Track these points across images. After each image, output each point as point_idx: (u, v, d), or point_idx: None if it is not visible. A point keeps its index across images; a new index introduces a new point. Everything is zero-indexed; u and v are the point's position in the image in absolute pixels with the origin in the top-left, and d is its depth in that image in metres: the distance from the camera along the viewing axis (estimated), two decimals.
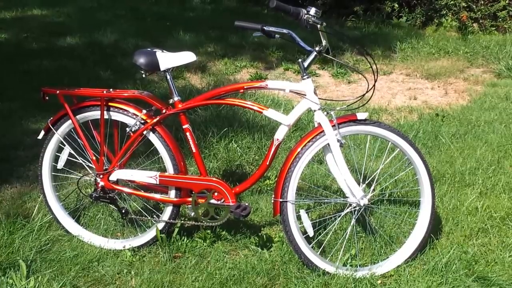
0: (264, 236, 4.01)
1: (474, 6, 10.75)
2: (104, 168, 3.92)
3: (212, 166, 5.04)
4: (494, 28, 10.62)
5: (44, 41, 9.08)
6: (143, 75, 3.80)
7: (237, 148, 5.32)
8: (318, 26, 3.51)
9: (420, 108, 6.88)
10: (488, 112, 6.55)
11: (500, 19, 10.62)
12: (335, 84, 7.96)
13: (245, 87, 3.72)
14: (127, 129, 3.82)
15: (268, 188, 4.73)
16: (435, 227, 4.00)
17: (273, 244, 3.99)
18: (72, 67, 7.81)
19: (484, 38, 10.05)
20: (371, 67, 3.59)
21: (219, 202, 3.81)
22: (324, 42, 3.60)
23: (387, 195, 4.47)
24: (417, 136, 5.79)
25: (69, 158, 4.02)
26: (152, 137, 3.83)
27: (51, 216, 4.16)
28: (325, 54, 3.65)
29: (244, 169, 5.12)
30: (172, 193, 3.89)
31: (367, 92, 3.65)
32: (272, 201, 3.68)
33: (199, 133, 5.46)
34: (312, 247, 3.73)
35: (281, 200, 3.62)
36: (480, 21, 10.66)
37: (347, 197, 3.64)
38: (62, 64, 7.91)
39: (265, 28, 3.56)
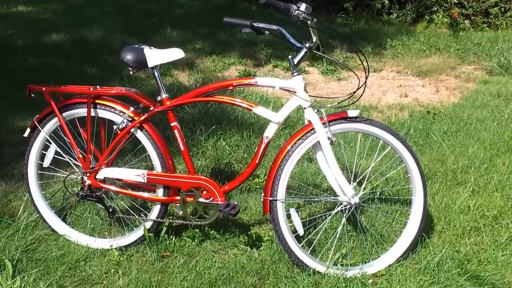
0: (254, 235, 3.96)
1: (465, 3, 10.72)
2: (91, 166, 3.86)
3: (201, 164, 4.99)
4: (485, 25, 10.61)
5: (30, 38, 8.98)
6: (131, 72, 3.74)
7: (225, 146, 5.28)
8: (309, 22, 3.46)
9: (411, 106, 6.84)
10: (480, 110, 6.51)
11: (492, 16, 10.61)
12: (324, 81, 7.92)
13: (234, 84, 3.67)
14: (114, 126, 3.77)
15: (257, 186, 4.68)
16: (427, 226, 3.97)
17: (262, 243, 3.93)
18: (58, 64, 7.74)
19: (476, 35, 10.04)
20: (362, 64, 3.56)
21: (207, 200, 3.76)
22: (314, 39, 3.56)
23: (378, 194, 4.42)
24: (408, 133, 5.75)
25: (55, 156, 3.96)
26: (140, 135, 3.78)
27: (37, 215, 4.10)
28: (315, 51, 3.61)
29: (232, 167, 5.06)
30: (160, 192, 3.83)
31: (358, 89, 3.60)
32: (262, 199, 3.63)
33: (187, 130, 5.41)
34: (302, 246, 3.69)
35: (270, 198, 3.57)
36: (472, 17, 10.64)
37: (337, 196, 3.59)
38: (48, 61, 7.83)
39: (254, 24, 3.53)
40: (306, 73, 8.13)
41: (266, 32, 3.55)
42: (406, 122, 6.11)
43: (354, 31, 10.35)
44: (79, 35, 9.17)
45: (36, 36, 9.12)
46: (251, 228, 4.17)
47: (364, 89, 3.61)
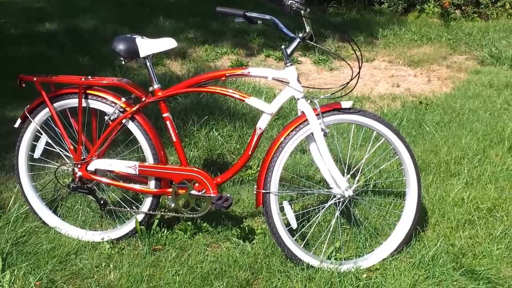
0: (246, 228, 3.92)
1: None
2: (82, 157, 3.81)
3: (193, 155, 4.95)
4: (476, 15, 10.57)
5: (23, 26, 8.91)
6: (122, 62, 3.69)
7: (218, 137, 5.23)
8: (302, 12, 3.42)
9: (403, 96, 6.81)
10: (472, 100, 6.49)
11: (483, 6, 10.56)
12: (317, 71, 7.88)
13: (226, 74, 3.64)
14: (106, 117, 3.72)
15: (250, 178, 4.64)
16: (421, 219, 3.92)
17: (255, 236, 3.90)
18: (50, 53, 7.67)
19: (467, 25, 10.00)
20: (356, 54, 3.52)
21: (200, 193, 3.73)
22: (308, 29, 3.53)
23: (371, 186, 4.39)
24: (401, 124, 5.73)
25: (46, 147, 3.91)
26: (131, 126, 3.74)
27: (28, 207, 4.05)
28: (308, 41, 3.58)
29: (225, 158, 5.02)
30: (151, 184, 3.80)
31: (351, 80, 3.56)
32: (255, 192, 3.59)
33: (179, 121, 5.36)
34: (295, 239, 3.66)
35: (263, 191, 3.54)
36: (463, 7, 10.59)
37: (331, 188, 3.55)
38: (41, 50, 7.76)
39: (247, 14, 3.49)
40: (298, 63, 8.08)
41: (259, 21, 3.51)
42: (399, 113, 6.07)
43: (346, 20, 10.30)
44: (72, 24, 9.09)
45: (29, 25, 9.05)
46: (244, 220, 4.13)
47: (358, 80, 3.57)
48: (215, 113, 5.56)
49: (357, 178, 3.76)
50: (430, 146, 5.24)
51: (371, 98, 6.67)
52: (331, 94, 3.78)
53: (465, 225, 4.06)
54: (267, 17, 3.48)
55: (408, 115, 5.96)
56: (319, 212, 3.86)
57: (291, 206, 3.65)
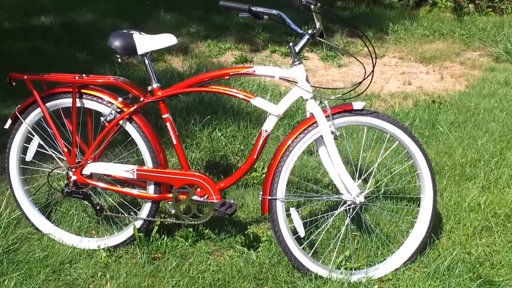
0: (251, 235, 3.72)
1: None
2: (77, 160, 3.61)
3: (195, 156, 4.73)
4: (490, 9, 10.31)
5: (18, 20, 8.68)
6: (119, 60, 3.49)
7: (221, 137, 5.02)
8: (312, 7, 3.24)
9: (415, 94, 6.56)
10: (487, 99, 6.23)
11: (497, 0, 10.32)
12: (324, 67, 7.65)
13: (230, 73, 3.44)
14: (102, 118, 3.52)
15: (254, 181, 4.41)
16: (435, 225, 3.69)
17: (260, 244, 3.70)
18: (46, 47, 7.45)
19: (481, 19, 9.72)
20: (369, 51, 3.33)
21: (202, 198, 3.52)
22: (318, 25, 3.33)
23: (382, 190, 4.16)
24: (413, 124, 5.48)
25: (39, 149, 3.71)
26: (129, 127, 3.53)
27: (20, 212, 3.87)
28: (319, 38, 3.38)
29: (228, 160, 4.81)
30: (151, 189, 3.60)
31: (364, 79, 3.36)
32: (260, 198, 3.39)
33: (180, 120, 5.17)
34: (303, 248, 3.45)
35: (269, 197, 3.34)
36: (476, 1, 10.32)
37: (341, 194, 3.36)
38: (36, 45, 7.54)
39: (252, 8, 3.31)
40: (305, 59, 7.83)
41: (265, 16, 3.33)
42: (411, 112, 5.83)
43: (355, 15, 10.04)
44: (69, 18, 8.85)
45: (24, 18, 8.82)
46: (248, 227, 3.92)
47: (371, 80, 3.37)
48: (218, 112, 5.36)
49: (368, 184, 3.55)
50: (444, 147, 5.00)
51: (381, 96, 6.44)
52: (342, 95, 3.57)
53: (482, 232, 3.85)
54: (274, 11, 3.31)
55: (420, 115, 5.71)
56: (327, 219, 3.67)
57: (298, 212, 3.45)
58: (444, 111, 5.93)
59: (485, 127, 5.42)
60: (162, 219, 3.73)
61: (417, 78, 7.28)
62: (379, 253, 3.64)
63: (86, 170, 3.60)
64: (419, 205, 3.54)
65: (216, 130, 5.12)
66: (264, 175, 3.46)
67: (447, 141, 5.14)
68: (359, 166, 3.63)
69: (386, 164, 4.36)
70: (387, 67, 7.71)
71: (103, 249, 3.66)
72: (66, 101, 3.57)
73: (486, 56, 8.13)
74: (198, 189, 3.52)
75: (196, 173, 3.54)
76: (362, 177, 3.54)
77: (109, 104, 3.50)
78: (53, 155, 3.71)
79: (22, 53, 7.17)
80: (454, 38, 8.75)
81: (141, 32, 3.48)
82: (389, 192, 4.17)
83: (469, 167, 4.63)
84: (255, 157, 3.43)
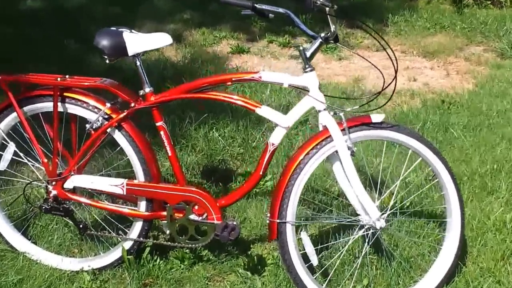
0: (255, 257, 3.34)
1: None
2: (58, 172, 3.19)
3: (190, 161, 4.33)
4: (489, 2, 9.98)
5: (2, 5, 8.17)
6: (107, 61, 3.05)
7: (218, 138, 4.63)
8: (327, 9, 2.92)
9: (422, 92, 6.16)
10: (499, 100, 5.83)
11: None
12: (324, 60, 7.25)
13: (233, 79, 3.10)
14: (87, 125, 3.10)
15: (257, 191, 3.99)
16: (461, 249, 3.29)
17: (266, 268, 3.31)
18: (32, 34, 7.00)
19: (481, 13, 9.34)
20: (388, 54, 3.09)
21: (200, 218, 3.12)
22: (332, 28, 3.01)
23: (406, 213, 3.73)
24: (425, 127, 5.07)
25: (14, 157, 3.28)
26: (118, 136, 3.13)
27: None
28: (332, 41, 3.08)
29: (227, 165, 4.41)
30: (142, 206, 3.19)
31: (384, 88, 3.16)
32: (268, 221, 2.99)
33: (174, 117, 4.80)
34: (315, 278, 3.06)
35: (278, 221, 2.94)
36: None
37: (358, 215, 2.97)
38: (22, 31, 7.11)
39: (257, 6, 2.99)
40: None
41: (270, 15, 3.04)
42: (421, 113, 5.41)
43: (353, 4, 9.63)
44: (56, 2, 8.39)
45: (9, 2, 8.34)
46: (252, 246, 3.53)
47: (394, 90, 3.04)
48: (216, 110, 4.97)
49: (390, 205, 3.13)
50: (460, 154, 4.60)
51: (386, 94, 6.02)
52: (360, 107, 3.18)
53: (511, 256, 3.45)
54: (281, 10, 3.02)
55: (431, 117, 5.30)
56: (343, 244, 3.29)
57: (309, 237, 3.04)
58: (455, 112, 5.53)
59: (501, 132, 5.02)
60: (154, 242, 3.34)
61: (422, 74, 6.89)
62: (400, 282, 3.24)
63: (69, 184, 3.18)
64: (444, 230, 3.17)
65: (213, 129, 4.75)
66: (272, 195, 3.07)
67: (462, 147, 4.74)
68: (378, 184, 3.22)
69: (408, 181, 3.96)
70: (390, 61, 7.28)
71: (86, 271, 3.26)
72: (47, 105, 3.16)
73: (490, 51, 7.74)
74: (196, 207, 3.11)
75: (194, 189, 3.13)
76: (382, 197, 3.15)
77: (96, 110, 3.09)
78: (31, 166, 3.30)
79: (7, 40, 6.72)
80: (456, 32, 8.37)
81: (132, 30, 3.08)
82: (413, 215, 3.74)
83: (490, 178, 4.23)
84: (260, 173, 3.04)
